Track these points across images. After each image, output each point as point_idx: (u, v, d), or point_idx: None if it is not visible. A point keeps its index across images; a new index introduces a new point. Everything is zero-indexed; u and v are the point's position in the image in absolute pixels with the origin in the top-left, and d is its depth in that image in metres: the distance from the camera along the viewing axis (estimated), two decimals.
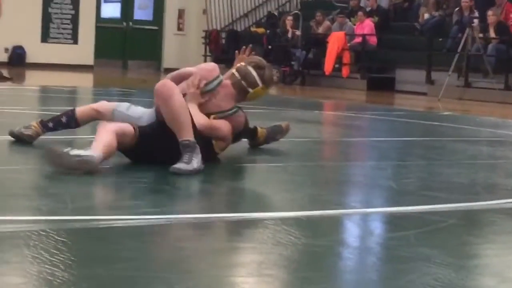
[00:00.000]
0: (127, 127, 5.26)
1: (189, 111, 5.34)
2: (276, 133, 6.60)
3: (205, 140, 5.43)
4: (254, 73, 5.78)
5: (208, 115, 5.58)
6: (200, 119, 5.48)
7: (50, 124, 6.05)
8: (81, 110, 6.04)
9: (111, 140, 5.11)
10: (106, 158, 5.06)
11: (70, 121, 6.00)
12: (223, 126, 5.59)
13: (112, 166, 5.50)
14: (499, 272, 3.26)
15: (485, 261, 3.50)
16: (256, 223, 4.01)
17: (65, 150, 4.90)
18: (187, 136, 5.17)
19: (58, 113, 6.12)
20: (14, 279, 2.81)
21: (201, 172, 5.18)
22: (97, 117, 5.94)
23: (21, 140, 6.00)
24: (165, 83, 5.34)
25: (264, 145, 6.50)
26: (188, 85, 5.63)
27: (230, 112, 5.66)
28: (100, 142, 5.07)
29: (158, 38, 24.47)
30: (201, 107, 5.60)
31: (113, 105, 5.92)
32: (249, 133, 6.34)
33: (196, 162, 5.11)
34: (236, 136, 5.87)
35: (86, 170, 4.86)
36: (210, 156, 5.50)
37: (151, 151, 5.31)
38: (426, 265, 3.23)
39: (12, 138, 6.03)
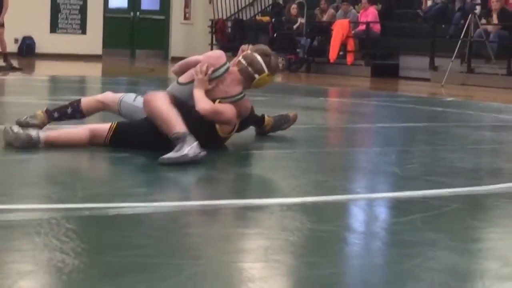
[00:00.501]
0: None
1: (195, 95, 5.50)
2: (283, 122, 6.59)
3: (208, 125, 5.45)
4: (260, 59, 5.77)
5: (214, 100, 5.57)
6: (205, 104, 5.49)
7: (56, 114, 6.04)
8: (86, 101, 6.04)
9: (69, 131, 5.60)
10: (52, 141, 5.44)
11: (75, 112, 5.99)
12: (228, 109, 5.57)
13: (120, 153, 5.51)
14: (502, 255, 3.26)
15: (488, 245, 3.50)
16: (262, 209, 4.01)
17: (11, 127, 5.43)
18: (176, 129, 5.17)
19: (64, 103, 6.11)
20: (26, 266, 2.81)
21: (208, 159, 5.18)
22: (102, 108, 5.95)
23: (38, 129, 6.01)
24: (149, 96, 5.44)
25: (270, 133, 6.49)
26: (196, 71, 5.62)
27: (237, 97, 5.64)
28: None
29: (165, 27, 24.45)
30: (208, 93, 5.59)
31: (118, 96, 5.92)
32: (256, 120, 6.33)
33: (187, 149, 5.05)
34: (244, 123, 5.86)
35: (25, 145, 5.34)
36: (216, 140, 5.51)
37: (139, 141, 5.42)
38: (431, 249, 3.23)
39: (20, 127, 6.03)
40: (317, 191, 4.56)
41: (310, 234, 3.48)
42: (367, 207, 4.25)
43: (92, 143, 5.45)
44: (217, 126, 5.55)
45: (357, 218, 4.05)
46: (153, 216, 3.72)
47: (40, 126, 5.99)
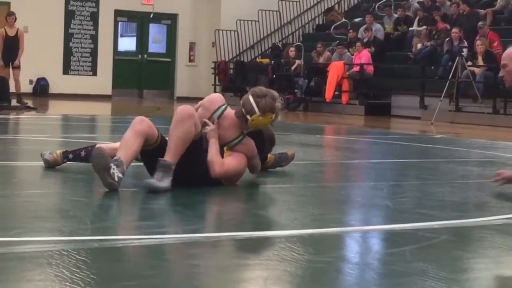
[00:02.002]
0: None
1: (210, 149, 5.47)
2: (282, 160, 6.60)
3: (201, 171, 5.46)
4: (252, 101, 5.58)
5: (221, 147, 5.56)
6: (216, 167, 5.45)
7: (70, 156, 6.09)
8: (101, 147, 6.03)
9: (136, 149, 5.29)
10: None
11: (87, 156, 5.96)
12: (237, 164, 5.55)
13: (127, 188, 5.51)
14: (489, 285, 3.25)
15: (476, 275, 3.48)
16: (261, 241, 4.00)
17: (112, 169, 5.08)
18: (169, 158, 5.19)
19: (81, 147, 6.13)
20: None
21: (211, 194, 5.18)
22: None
23: (48, 164, 6.05)
24: (186, 108, 5.34)
25: (270, 169, 6.49)
26: (201, 120, 5.56)
27: (235, 141, 5.60)
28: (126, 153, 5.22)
29: (171, 69, 24.55)
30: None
31: None
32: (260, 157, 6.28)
33: (167, 182, 5.13)
34: (262, 149, 5.88)
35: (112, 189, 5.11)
36: (216, 184, 5.52)
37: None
38: (421, 279, 3.22)
39: (41, 162, 6.08)
40: (314, 224, 4.55)
41: (307, 265, 3.47)
42: (361, 239, 4.23)
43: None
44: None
45: (352, 249, 4.03)
46: (159, 248, 3.71)
47: (50, 164, 6.02)
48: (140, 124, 5.36)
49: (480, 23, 17.59)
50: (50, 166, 6.06)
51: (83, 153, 6.03)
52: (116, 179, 5.08)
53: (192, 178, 5.42)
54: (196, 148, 5.41)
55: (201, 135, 5.45)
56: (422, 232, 4.45)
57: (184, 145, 5.28)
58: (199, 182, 5.42)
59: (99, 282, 3.00)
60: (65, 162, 6.09)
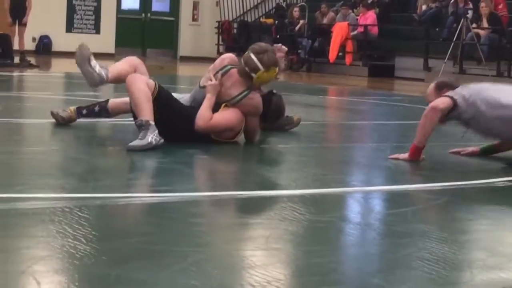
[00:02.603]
0: (149, 81, 5.47)
1: (204, 103, 5.53)
2: (286, 123, 6.58)
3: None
4: (254, 58, 5.60)
5: (220, 104, 5.56)
6: (201, 120, 5.49)
7: (84, 111, 6.12)
8: (114, 102, 6.07)
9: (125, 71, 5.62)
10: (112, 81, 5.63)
11: (101, 111, 6.05)
12: (226, 119, 5.55)
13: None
14: (489, 246, 3.26)
15: (476, 236, 3.50)
16: (263, 200, 4.01)
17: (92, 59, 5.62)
18: (142, 116, 5.22)
19: (95, 101, 6.15)
20: (40, 252, 2.82)
21: (212, 153, 5.19)
22: (129, 111, 5.88)
23: (57, 120, 6.06)
24: (132, 76, 5.46)
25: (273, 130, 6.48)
26: (209, 78, 5.61)
27: (238, 97, 5.61)
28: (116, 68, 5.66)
29: (175, 28, 24.44)
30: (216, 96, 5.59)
31: None
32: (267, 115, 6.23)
33: (151, 137, 5.14)
34: (265, 117, 5.82)
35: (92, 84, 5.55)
36: (207, 140, 5.53)
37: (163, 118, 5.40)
38: (422, 240, 3.23)
39: (52, 118, 6.10)
40: (316, 184, 4.56)
41: (309, 225, 3.49)
42: (362, 199, 4.24)
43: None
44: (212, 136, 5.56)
45: (353, 209, 4.05)
46: (160, 206, 3.72)
47: (66, 120, 6.04)
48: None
49: None
50: (65, 123, 6.07)
51: (97, 108, 6.07)
52: (97, 70, 5.44)
53: (181, 134, 5.49)
54: (178, 106, 5.57)
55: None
56: (423, 193, 4.47)
57: (148, 100, 5.32)
58: (189, 138, 5.47)
59: (101, 238, 3.01)
60: (79, 118, 6.10)
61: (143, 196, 3.83)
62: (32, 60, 16.77)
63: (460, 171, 5.01)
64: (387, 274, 2.80)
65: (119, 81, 5.65)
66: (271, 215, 3.65)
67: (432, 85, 5.58)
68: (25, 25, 16.29)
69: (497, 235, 3.50)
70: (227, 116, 5.56)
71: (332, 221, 3.58)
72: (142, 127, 5.21)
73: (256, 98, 5.69)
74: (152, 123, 5.22)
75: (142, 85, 5.37)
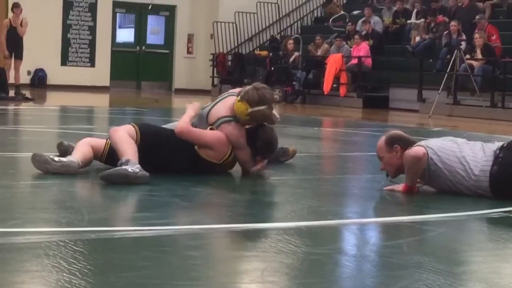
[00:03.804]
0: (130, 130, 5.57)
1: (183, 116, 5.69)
2: (281, 155, 6.59)
3: (187, 145, 5.57)
4: (246, 88, 5.76)
5: (210, 125, 5.71)
6: (180, 124, 5.62)
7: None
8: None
9: (87, 150, 5.58)
10: (84, 164, 5.55)
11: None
12: (205, 134, 5.63)
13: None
14: (485, 278, 3.25)
15: (472, 268, 3.49)
16: (259, 233, 4.01)
17: (50, 156, 5.42)
18: (125, 156, 5.30)
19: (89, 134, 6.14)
20: (35, 286, 2.81)
21: (208, 185, 5.18)
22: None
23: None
24: (113, 129, 5.60)
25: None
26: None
27: (219, 120, 5.65)
28: (78, 151, 5.55)
29: (169, 60, 24.52)
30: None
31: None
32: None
33: (130, 168, 5.16)
34: (256, 150, 5.73)
35: (68, 172, 5.37)
36: (195, 161, 5.58)
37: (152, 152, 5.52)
38: (418, 271, 3.23)
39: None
40: (311, 216, 4.56)
41: (304, 257, 3.48)
42: (358, 231, 4.24)
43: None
44: (196, 148, 5.57)
45: (349, 241, 4.04)
46: (156, 239, 3.71)
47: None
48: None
49: (477, 16, 17.58)
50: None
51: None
52: (66, 160, 5.47)
53: (173, 163, 5.62)
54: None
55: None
56: (419, 224, 4.47)
57: (130, 144, 5.41)
58: (181, 164, 5.60)
59: (96, 272, 3.00)
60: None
61: (139, 230, 3.82)
62: (27, 93, 16.80)
63: (455, 202, 5.01)
64: None
65: (88, 162, 5.67)
66: (267, 247, 3.65)
67: (382, 139, 5.45)
68: (21, 59, 16.35)
69: (493, 267, 3.50)
70: (211, 133, 5.65)
71: (328, 254, 3.57)
72: (123, 163, 5.25)
73: (232, 127, 5.66)
74: (134, 160, 5.27)
75: (123, 133, 5.49)
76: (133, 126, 5.62)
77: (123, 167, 5.19)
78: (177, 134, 5.60)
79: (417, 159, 5.11)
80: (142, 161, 5.32)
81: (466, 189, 5.12)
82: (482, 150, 5.19)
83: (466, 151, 5.20)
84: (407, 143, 5.36)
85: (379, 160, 5.44)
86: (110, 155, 5.57)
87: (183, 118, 5.69)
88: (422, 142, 5.32)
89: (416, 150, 5.18)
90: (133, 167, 5.21)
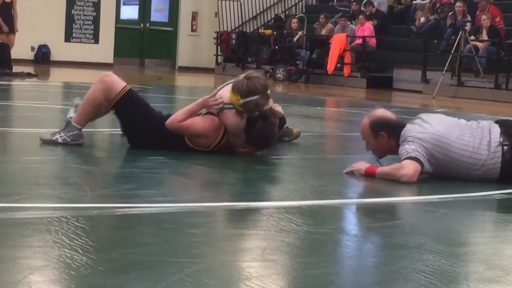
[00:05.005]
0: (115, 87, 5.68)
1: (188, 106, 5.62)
2: (285, 135, 6.58)
3: (175, 135, 5.57)
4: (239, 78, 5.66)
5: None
6: (171, 117, 5.56)
7: None
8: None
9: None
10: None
11: None
12: (199, 122, 5.56)
13: (128, 156, 5.52)
14: (486, 259, 3.26)
15: (473, 249, 3.50)
16: (260, 211, 4.01)
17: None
18: (76, 119, 5.64)
19: None
20: (37, 262, 2.82)
21: (210, 164, 5.19)
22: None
23: None
24: (99, 77, 5.73)
25: None
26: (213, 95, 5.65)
27: (226, 105, 5.60)
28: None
29: (173, 38, 24.47)
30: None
31: None
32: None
33: (59, 136, 5.61)
34: (248, 139, 5.63)
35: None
36: (181, 146, 5.56)
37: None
38: (418, 252, 3.23)
39: (50, 128, 6.11)
40: (313, 195, 4.56)
41: (306, 236, 3.48)
42: (360, 211, 4.25)
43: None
44: (185, 137, 5.56)
45: (350, 221, 4.05)
46: (158, 216, 3.72)
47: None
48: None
49: None
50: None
51: None
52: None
53: (150, 140, 5.65)
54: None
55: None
56: (420, 205, 4.47)
57: (90, 108, 5.64)
58: (162, 144, 5.60)
59: (98, 249, 3.01)
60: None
61: (141, 207, 3.82)
62: (31, 69, 16.77)
63: (458, 183, 5.01)
64: (384, 286, 2.80)
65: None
66: (268, 226, 3.65)
67: (366, 122, 5.16)
68: (14, 33, 16.26)
69: (494, 248, 3.50)
70: (202, 121, 5.58)
71: (330, 233, 3.58)
72: (65, 124, 5.68)
73: (231, 114, 5.59)
74: (76, 125, 5.60)
75: (93, 90, 5.66)
76: (123, 87, 5.65)
77: (57, 135, 5.61)
78: (166, 126, 5.54)
79: (410, 181, 4.85)
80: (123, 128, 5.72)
81: (472, 176, 5.04)
82: (477, 136, 5.05)
83: (466, 136, 5.03)
84: (394, 128, 5.11)
85: (367, 144, 5.25)
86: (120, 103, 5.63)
87: (181, 111, 5.59)
88: (416, 138, 4.97)
89: (411, 174, 4.85)
90: (67, 135, 5.60)
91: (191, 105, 5.59)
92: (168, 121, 5.55)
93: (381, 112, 5.25)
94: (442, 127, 5.07)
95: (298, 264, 3.03)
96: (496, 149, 4.98)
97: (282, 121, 6.13)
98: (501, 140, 5.00)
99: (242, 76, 5.62)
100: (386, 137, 5.12)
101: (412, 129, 5.06)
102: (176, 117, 5.55)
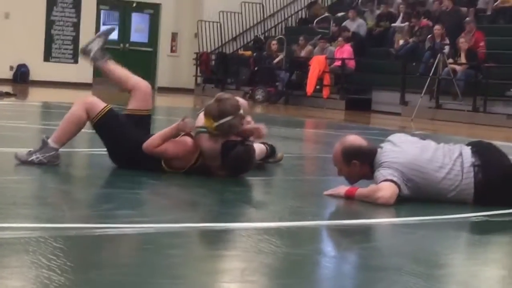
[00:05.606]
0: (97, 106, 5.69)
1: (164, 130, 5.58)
2: (269, 156, 6.56)
3: (150, 158, 5.54)
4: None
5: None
6: (147, 141, 5.53)
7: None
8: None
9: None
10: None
11: None
12: (173, 146, 5.53)
13: (106, 176, 5.51)
14: (464, 281, 3.27)
15: (452, 271, 3.50)
16: (240, 232, 4.00)
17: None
18: (52, 138, 5.60)
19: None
20: (14, 282, 2.80)
21: (189, 185, 5.18)
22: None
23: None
24: (79, 99, 5.76)
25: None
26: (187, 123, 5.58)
27: (197, 130, 5.57)
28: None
29: (153, 59, 24.49)
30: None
31: None
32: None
33: (35, 157, 5.56)
34: (223, 164, 5.59)
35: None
36: (157, 168, 5.53)
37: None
38: (397, 273, 3.24)
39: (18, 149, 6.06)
40: (292, 217, 4.56)
41: (284, 257, 3.48)
42: (338, 232, 4.25)
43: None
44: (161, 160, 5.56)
45: (329, 242, 4.05)
46: (136, 237, 3.70)
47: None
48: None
49: (467, 18, 17.65)
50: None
51: None
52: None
53: (128, 160, 5.64)
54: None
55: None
56: (398, 227, 4.48)
57: (74, 126, 5.62)
58: (139, 165, 5.55)
59: (76, 269, 2.99)
60: None
61: (119, 227, 3.81)
62: (9, 89, 16.71)
63: (435, 205, 5.02)
64: None
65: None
66: (247, 247, 3.65)
67: (338, 150, 5.16)
68: None
69: (472, 270, 3.51)
70: (174, 145, 5.55)
71: (308, 254, 3.57)
72: (41, 144, 5.59)
73: (204, 138, 5.55)
74: (53, 145, 5.56)
75: (76, 110, 5.64)
76: (104, 107, 5.67)
77: (33, 156, 5.56)
78: (143, 149, 5.51)
79: (388, 203, 4.82)
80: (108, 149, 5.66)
81: (447, 198, 5.05)
82: (449, 157, 5.06)
83: (439, 157, 5.03)
84: (367, 156, 5.08)
85: (339, 171, 5.24)
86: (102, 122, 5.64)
87: (157, 135, 5.55)
88: (391, 163, 4.95)
89: (388, 196, 4.82)
90: (45, 154, 5.55)
91: (167, 130, 5.55)
92: (144, 146, 5.52)
93: (353, 139, 5.22)
94: (414, 149, 5.09)
95: (277, 285, 3.03)
96: (469, 169, 5.01)
97: (244, 164, 5.89)
98: (473, 160, 5.03)
99: (212, 100, 5.58)
100: (359, 165, 5.10)
101: (385, 155, 5.06)
102: (152, 142, 5.52)
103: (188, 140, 5.57)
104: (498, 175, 5.00)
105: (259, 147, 6.19)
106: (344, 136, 5.38)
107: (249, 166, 5.68)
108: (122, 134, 5.63)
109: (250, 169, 5.71)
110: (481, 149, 5.13)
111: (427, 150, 5.10)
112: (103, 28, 6.09)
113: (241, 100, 5.81)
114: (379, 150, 5.13)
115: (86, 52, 6.00)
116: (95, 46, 6.05)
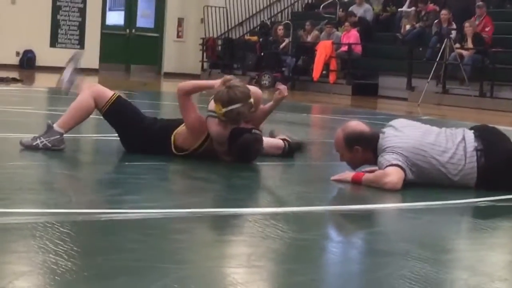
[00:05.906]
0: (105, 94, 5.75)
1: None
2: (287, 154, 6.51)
3: (163, 136, 5.62)
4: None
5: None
6: (180, 84, 5.62)
7: None
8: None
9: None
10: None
11: None
12: (190, 113, 5.59)
13: (113, 162, 5.51)
14: (471, 266, 3.27)
15: (458, 256, 3.51)
16: (246, 217, 4.01)
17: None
18: (58, 124, 5.64)
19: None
20: (21, 267, 2.81)
21: (196, 170, 5.18)
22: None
23: None
24: (87, 86, 5.92)
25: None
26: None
27: (208, 113, 5.58)
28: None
29: (159, 44, 24.45)
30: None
31: None
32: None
33: (40, 141, 5.57)
34: (230, 150, 5.61)
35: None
36: (167, 151, 5.58)
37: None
38: (403, 258, 3.24)
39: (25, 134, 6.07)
40: (298, 202, 4.56)
41: (291, 242, 3.48)
42: (345, 217, 4.25)
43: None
44: (172, 138, 5.57)
45: (335, 228, 4.05)
46: (143, 222, 3.71)
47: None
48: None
49: (480, 2, 17.57)
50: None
51: None
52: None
53: (139, 146, 5.67)
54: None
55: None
56: (405, 212, 4.48)
57: (83, 113, 5.68)
58: (149, 150, 5.60)
59: (83, 255, 3.00)
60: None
61: (126, 212, 3.81)
62: (16, 74, 16.71)
63: (441, 190, 5.02)
64: None
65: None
66: (254, 232, 3.65)
67: (340, 136, 5.14)
68: None
69: (479, 255, 3.51)
70: (193, 114, 5.59)
71: (315, 239, 3.58)
72: (46, 128, 5.62)
73: (212, 123, 5.54)
74: (58, 129, 5.58)
75: (84, 97, 5.72)
76: (112, 95, 5.71)
77: (37, 141, 5.56)
78: (177, 89, 5.59)
79: (395, 188, 4.82)
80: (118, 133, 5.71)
81: (452, 182, 5.05)
82: (452, 141, 5.04)
83: (442, 142, 5.02)
84: (369, 141, 5.07)
85: (341, 157, 5.23)
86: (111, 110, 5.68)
87: (191, 82, 5.72)
88: (395, 148, 4.93)
89: (395, 182, 4.81)
90: (49, 138, 5.56)
91: (202, 81, 5.66)
92: (179, 86, 5.59)
93: (355, 125, 5.21)
94: (417, 134, 5.08)
95: (284, 270, 3.03)
96: (472, 153, 5.00)
97: (249, 153, 5.73)
98: (476, 145, 5.02)
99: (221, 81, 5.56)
100: (361, 151, 5.10)
101: (388, 140, 5.04)
102: (184, 86, 5.59)
103: (203, 119, 5.59)
104: (501, 159, 5.00)
105: (276, 142, 6.18)
106: (343, 124, 5.35)
107: (254, 155, 5.69)
108: (132, 119, 5.66)
109: (255, 158, 5.71)
110: (484, 134, 5.12)
111: (430, 134, 5.09)
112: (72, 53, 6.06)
113: (254, 89, 5.81)
114: (381, 135, 5.12)
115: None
116: (67, 74, 6.20)
